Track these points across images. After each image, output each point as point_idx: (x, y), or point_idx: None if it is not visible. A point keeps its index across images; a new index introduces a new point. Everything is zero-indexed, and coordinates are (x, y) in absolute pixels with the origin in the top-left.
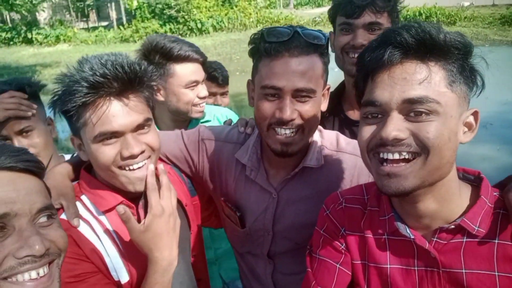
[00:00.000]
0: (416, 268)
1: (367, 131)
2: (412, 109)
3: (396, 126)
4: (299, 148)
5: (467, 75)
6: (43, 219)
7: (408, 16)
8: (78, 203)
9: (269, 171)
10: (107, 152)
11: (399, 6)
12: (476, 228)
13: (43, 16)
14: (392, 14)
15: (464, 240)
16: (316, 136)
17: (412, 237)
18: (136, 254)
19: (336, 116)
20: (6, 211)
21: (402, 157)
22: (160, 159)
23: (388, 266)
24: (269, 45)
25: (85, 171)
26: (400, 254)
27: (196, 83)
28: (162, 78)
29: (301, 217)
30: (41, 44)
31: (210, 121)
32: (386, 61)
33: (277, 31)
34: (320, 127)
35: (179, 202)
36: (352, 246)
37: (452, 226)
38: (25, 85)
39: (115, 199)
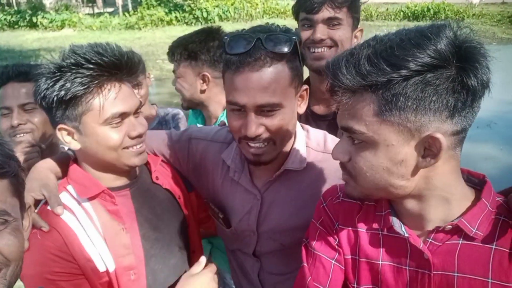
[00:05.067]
0: (407, 268)
1: None
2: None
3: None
4: (273, 157)
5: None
6: None
7: (416, 12)
8: (64, 193)
9: (253, 172)
10: (116, 134)
11: (360, 2)
12: (474, 230)
13: (48, 0)
14: (352, 9)
15: (460, 242)
16: (301, 137)
17: (407, 235)
18: (118, 243)
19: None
20: None
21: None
22: (155, 154)
23: (380, 262)
24: (230, 57)
25: (74, 162)
26: (393, 252)
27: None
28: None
29: (285, 220)
30: (45, 28)
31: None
32: None
33: (238, 43)
34: (307, 126)
35: (171, 193)
36: (343, 240)
37: (449, 227)
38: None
39: (97, 188)
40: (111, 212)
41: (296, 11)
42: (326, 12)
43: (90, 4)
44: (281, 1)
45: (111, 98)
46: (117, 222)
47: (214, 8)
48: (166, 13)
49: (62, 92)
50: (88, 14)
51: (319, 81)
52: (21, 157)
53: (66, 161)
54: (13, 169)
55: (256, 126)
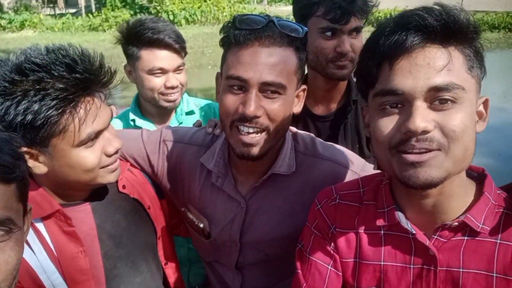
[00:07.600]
0: (412, 266)
1: (387, 124)
2: (437, 97)
3: (424, 117)
4: (263, 151)
5: (479, 58)
6: None
7: (379, 18)
8: None
9: (237, 178)
10: (92, 154)
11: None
12: (481, 225)
13: (7, 0)
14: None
15: (466, 238)
16: (289, 140)
17: (414, 232)
18: (75, 268)
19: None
20: None
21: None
22: (121, 159)
23: (382, 263)
24: (239, 32)
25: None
26: (396, 250)
27: (162, 70)
28: (132, 60)
29: (271, 229)
30: (4, 29)
31: (194, 113)
32: (409, 46)
33: (250, 19)
34: (294, 129)
35: (140, 204)
36: (341, 244)
37: (456, 223)
38: None
39: (51, 207)
40: (67, 234)
41: (307, 14)
42: (353, 22)
43: (51, 5)
44: (248, 5)
45: (85, 117)
46: (74, 244)
47: (181, 11)
48: (131, 15)
49: (29, 117)
50: (50, 15)
51: (322, 81)
52: None
53: None
54: (22, 172)
55: (256, 106)
